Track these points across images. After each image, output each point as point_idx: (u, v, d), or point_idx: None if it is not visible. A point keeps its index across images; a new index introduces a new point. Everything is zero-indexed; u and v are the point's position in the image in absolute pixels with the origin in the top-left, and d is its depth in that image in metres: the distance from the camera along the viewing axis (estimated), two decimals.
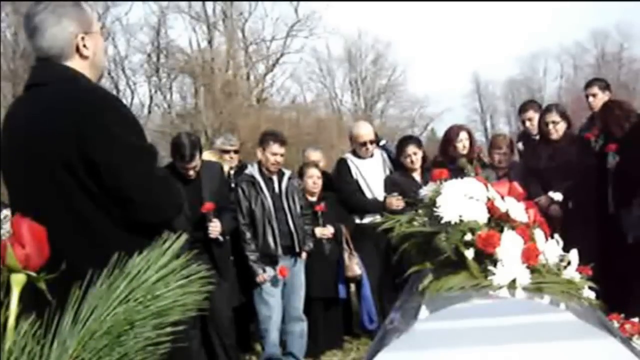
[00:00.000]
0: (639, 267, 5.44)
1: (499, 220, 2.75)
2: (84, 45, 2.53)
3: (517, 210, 2.82)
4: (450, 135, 6.44)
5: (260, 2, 28.72)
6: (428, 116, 36.09)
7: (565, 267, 2.76)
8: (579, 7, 48.96)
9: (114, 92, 25.20)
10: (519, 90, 37.32)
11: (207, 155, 6.24)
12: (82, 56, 2.54)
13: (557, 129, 5.90)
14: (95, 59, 2.60)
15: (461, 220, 2.69)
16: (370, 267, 6.32)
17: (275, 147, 5.89)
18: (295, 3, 29.30)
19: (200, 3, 27.89)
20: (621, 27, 35.81)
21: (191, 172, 5.36)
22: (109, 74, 26.22)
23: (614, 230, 5.46)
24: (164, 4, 27.39)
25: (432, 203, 2.80)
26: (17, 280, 1.24)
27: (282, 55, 29.73)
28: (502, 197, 2.88)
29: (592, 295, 2.75)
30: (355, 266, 6.26)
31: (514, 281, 2.43)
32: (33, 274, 1.25)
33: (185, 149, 5.28)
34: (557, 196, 5.76)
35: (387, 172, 6.51)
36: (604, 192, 5.57)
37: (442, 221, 2.70)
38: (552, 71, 38.13)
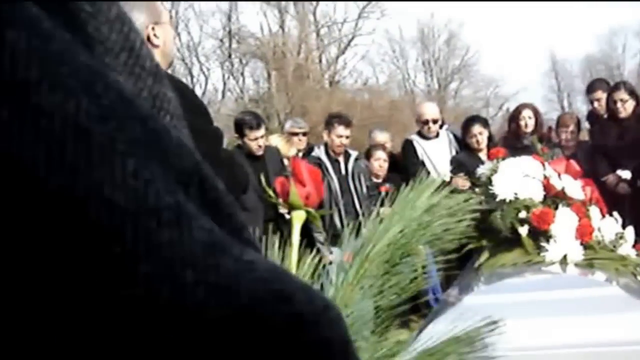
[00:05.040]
0: None
1: (554, 198, 2.79)
2: (155, 35, 2.66)
3: (574, 188, 2.85)
4: (515, 113, 6.47)
5: None
6: (503, 96, 35.44)
7: (621, 245, 2.78)
8: None
9: (188, 78, 25.66)
10: (596, 68, 36.36)
11: (276, 139, 6.37)
12: (153, 45, 2.67)
13: (626, 107, 5.80)
14: (166, 48, 2.73)
15: (516, 198, 2.74)
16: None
17: (341, 129, 5.97)
18: None
19: None
20: None
21: (260, 143, 5.47)
22: (183, 60, 26.68)
23: None
24: None
25: (489, 181, 2.86)
26: (298, 217, 1.41)
27: (353, 37, 29.68)
28: (559, 175, 2.91)
29: None
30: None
31: (565, 257, 2.47)
32: (312, 210, 1.42)
33: (249, 119, 5.44)
34: (626, 174, 5.68)
35: (453, 152, 6.51)
36: None
37: (497, 199, 2.75)
38: (631, 48, 36.99)
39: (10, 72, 0.27)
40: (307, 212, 1.40)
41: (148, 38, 2.66)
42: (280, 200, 1.42)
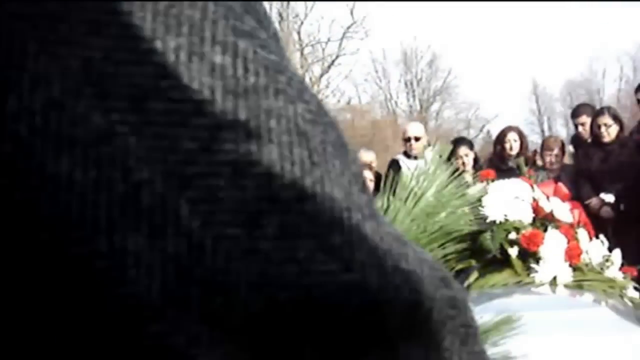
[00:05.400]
0: None
1: (543, 220, 2.83)
2: None
3: (562, 210, 2.89)
4: (500, 136, 6.55)
5: (316, 4, 28.92)
6: (484, 118, 35.75)
7: (608, 267, 2.82)
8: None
9: None
10: (577, 92, 36.75)
11: None
12: None
13: (610, 132, 5.89)
14: None
15: (506, 220, 2.78)
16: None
17: None
18: (351, 5, 29.37)
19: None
20: None
21: None
22: None
23: None
24: None
25: (479, 202, 2.89)
26: None
27: (337, 57, 29.82)
28: (548, 198, 2.96)
29: (636, 294, 2.81)
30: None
31: (555, 278, 2.51)
32: None
33: None
34: (609, 198, 5.76)
35: None
36: None
37: (488, 220, 2.79)
38: (611, 73, 37.40)
39: (243, 78, 0.31)
40: None
41: None
42: None
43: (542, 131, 36.68)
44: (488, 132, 34.78)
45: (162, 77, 0.30)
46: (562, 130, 32.49)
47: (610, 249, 2.96)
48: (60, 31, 0.29)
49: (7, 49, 0.28)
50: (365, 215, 0.33)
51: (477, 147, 19.52)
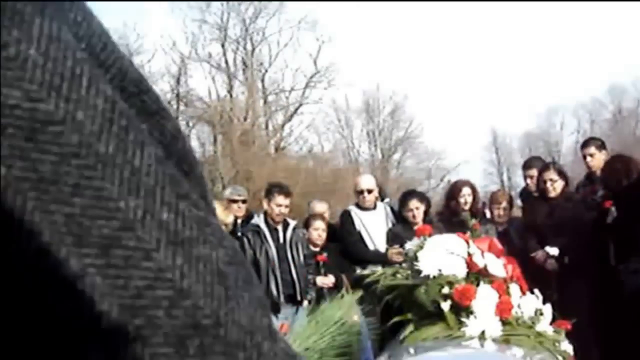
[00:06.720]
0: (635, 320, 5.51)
1: (477, 275, 2.91)
2: None
3: (495, 265, 2.97)
4: (454, 190, 6.64)
5: (280, 53, 29.19)
6: (445, 168, 36.06)
7: (540, 321, 2.89)
8: (597, 62, 49.14)
9: None
10: (535, 144, 37.37)
11: (216, 205, 6.44)
12: None
13: (555, 187, 6.03)
14: None
15: (440, 274, 2.85)
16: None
17: (280, 199, 6.08)
18: (314, 55, 29.70)
19: (220, 53, 28.41)
20: (638, 83, 35.74)
21: None
22: None
23: (614, 282, 5.50)
24: (185, 53, 27.90)
25: (415, 257, 2.97)
26: None
27: (300, 105, 30.04)
28: (482, 253, 3.03)
29: (569, 348, 2.88)
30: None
31: (483, 332, 2.58)
32: None
33: None
34: (554, 251, 5.88)
35: (390, 225, 6.63)
36: (605, 245, 5.64)
37: (422, 275, 2.85)
38: (569, 125, 38.03)
39: (182, 231, 0.41)
40: None
41: None
42: None
43: (502, 182, 37.16)
44: (449, 181, 35.00)
45: (124, 230, 0.39)
46: (521, 181, 32.83)
47: (553, 302, 3.04)
48: (50, 193, 0.38)
49: (11, 205, 0.37)
50: (265, 336, 0.43)
51: (437, 197, 19.61)
